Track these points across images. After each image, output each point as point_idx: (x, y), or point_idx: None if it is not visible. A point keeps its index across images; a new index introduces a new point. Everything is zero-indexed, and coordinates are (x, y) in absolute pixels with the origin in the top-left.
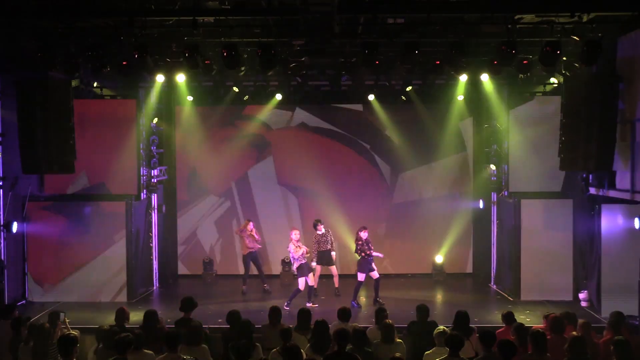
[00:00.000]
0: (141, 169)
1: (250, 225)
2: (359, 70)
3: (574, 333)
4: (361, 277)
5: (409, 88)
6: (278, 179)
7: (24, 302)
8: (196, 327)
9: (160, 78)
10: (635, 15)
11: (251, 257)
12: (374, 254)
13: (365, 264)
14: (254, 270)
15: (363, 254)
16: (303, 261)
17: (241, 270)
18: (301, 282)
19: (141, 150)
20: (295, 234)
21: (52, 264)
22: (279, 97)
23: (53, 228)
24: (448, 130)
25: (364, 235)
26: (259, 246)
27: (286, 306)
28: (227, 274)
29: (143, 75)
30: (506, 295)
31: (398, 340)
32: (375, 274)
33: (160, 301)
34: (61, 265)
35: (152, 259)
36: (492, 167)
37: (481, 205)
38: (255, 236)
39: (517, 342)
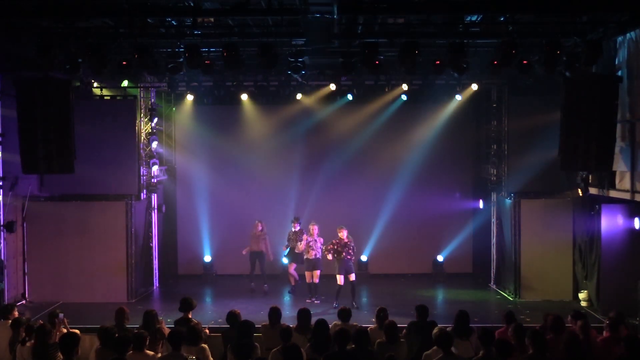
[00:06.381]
0: (141, 169)
1: (259, 227)
2: (359, 70)
3: (573, 327)
4: (341, 279)
5: (406, 88)
6: (277, 178)
7: (23, 302)
8: (196, 327)
9: (161, 79)
10: (634, 15)
11: (256, 257)
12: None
13: (343, 266)
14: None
15: (343, 255)
16: (313, 257)
17: (240, 270)
18: (307, 275)
19: (141, 150)
20: (314, 229)
21: (52, 264)
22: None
23: (53, 228)
24: (448, 130)
25: (343, 234)
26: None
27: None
28: (227, 274)
29: (143, 75)
30: (506, 295)
31: (400, 339)
32: (353, 276)
33: (160, 301)
34: (61, 266)
35: (152, 259)
36: (492, 167)
37: (481, 205)
38: (263, 240)
39: (515, 342)
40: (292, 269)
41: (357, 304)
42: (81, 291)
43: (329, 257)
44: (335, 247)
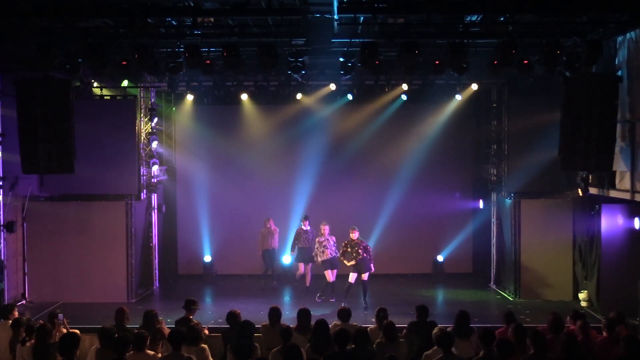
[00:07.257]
0: (141, 169)
1: (268, 224)
2: (359, 70)
3: (572, 327)
4: (353, 278)
5: (406, 88)
6: (277, 178)
7: (23, 302)
8: (196, 327)
9: (161, 79)
10: (634, 15)
11: (268, 255)
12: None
13: (356, 265)
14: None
15: (354, 255)
16: (329, 256)
17: (240, 270)
18: (327, 275)
19: (141, 150)
20: (325, 229)
21: (52, 264)
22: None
23: (53, 228)
24: (448, 130)
25: (353, 235)
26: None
27: (317, 299)
28: (227, 274)
29: (143, 75)
30: (506, 295)
31: (400, 339)
32: (365, 276)
33: (160, 301)
34: (61, 266)
35: (152, 259)
36: (492, 167)
37: (481, 205)
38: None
39: (515, 342)
40: (308, 268)
41: (367, 303)
42: (81, 291)
43: (342, 258)
44: (346, 247)
